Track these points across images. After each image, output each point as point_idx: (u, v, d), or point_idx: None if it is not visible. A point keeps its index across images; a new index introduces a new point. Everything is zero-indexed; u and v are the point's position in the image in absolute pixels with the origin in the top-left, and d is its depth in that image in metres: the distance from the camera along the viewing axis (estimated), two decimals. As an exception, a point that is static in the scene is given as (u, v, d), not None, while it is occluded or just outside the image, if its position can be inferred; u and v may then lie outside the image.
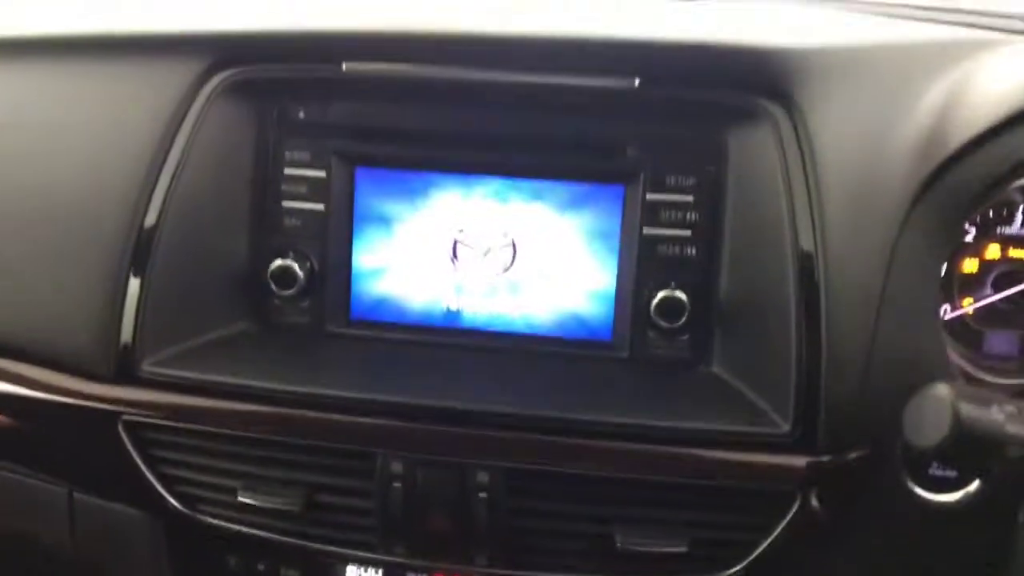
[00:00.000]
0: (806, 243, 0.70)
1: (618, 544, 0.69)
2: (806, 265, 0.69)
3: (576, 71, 0.75)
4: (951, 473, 0.71)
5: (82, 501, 0.84)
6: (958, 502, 0.71)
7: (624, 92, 0.74)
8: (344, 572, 0.82)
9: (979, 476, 0.70)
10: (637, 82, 0.74)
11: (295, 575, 0.83)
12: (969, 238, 0.81)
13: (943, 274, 0.79)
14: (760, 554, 0.71)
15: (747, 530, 0.71)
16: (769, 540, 0.70)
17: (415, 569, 0.78)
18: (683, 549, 0.70)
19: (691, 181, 0.77)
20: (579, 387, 0.76)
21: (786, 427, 0.68)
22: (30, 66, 0.82)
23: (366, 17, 0.79)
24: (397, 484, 0.71)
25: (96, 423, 0.76)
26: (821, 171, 0.70)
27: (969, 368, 0.80)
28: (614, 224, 0.79)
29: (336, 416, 0.72)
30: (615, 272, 0.79)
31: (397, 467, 0.71)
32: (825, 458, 0.68)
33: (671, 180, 0.77)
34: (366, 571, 0.82)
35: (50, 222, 0.78)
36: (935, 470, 0.71)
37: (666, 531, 0.70)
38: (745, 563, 0.71)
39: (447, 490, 0.71)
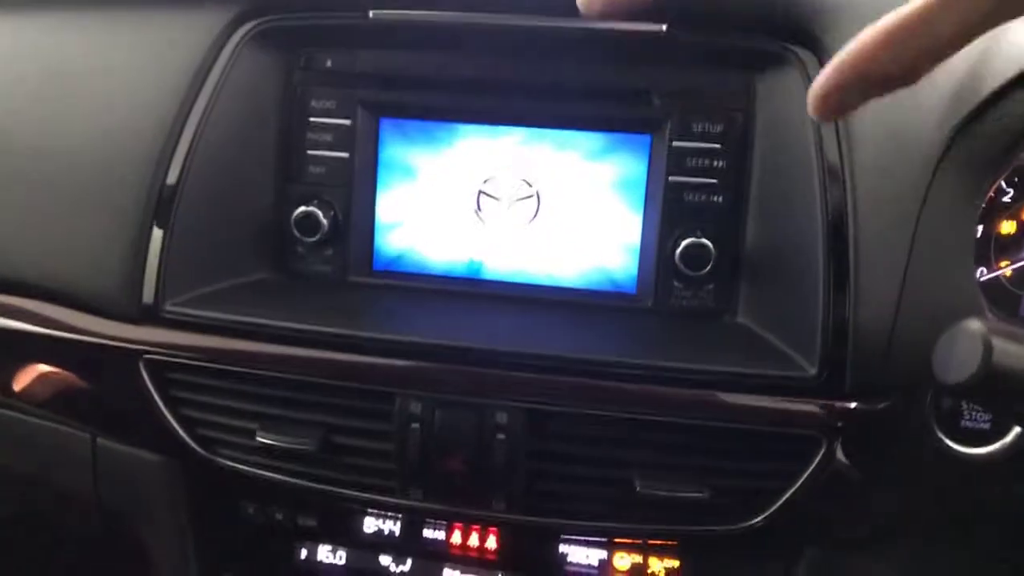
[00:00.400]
0: (835, 191, 0.68)
1: (637, 489, 0.68)
2: (835, 213, 0.68)
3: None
4: (984, 425, 0.69)
5: (104, 446, 0.84)
6: (991, 455, 0.69)
7: (651, 38, 0.74)
8: (362, 521, 0.82)
9: (1018, 422, 0.68)
10: (664, 27, 0.73)
11: (312, 524, 0.82)
12: (1007, 199, 0.79)
13: (979, 235, 0.77)
14: (784, 504, 0.69)
15: (770, 478, 0.69)
16: (793, 489, 0.69)
17: (433, 515, 0.77)
18: (704, 495, 0.68)
19: (718, 128, 0.76)
20: (601, 332, 0.75)
21: (812, 371, 0.66)
22: (57, 15, 0.83)
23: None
24: (415, 425, 0.70)
25: (119, 363, 0.76)
26: (851, 119, 0.69)
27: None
28: (640, 173, 0.78)
29: (355, 356, 0.71)
30: (640, 221, 0.78)
31: (415, 408, 0.70)
32: (851, 404, 0.67)
33: (698, 127, 0.76)
34: (384, 521, 0.82)
35: (77, 169, 0.78)
36: (967, 421, 0.69)
37: (687, 477, 0.69)
38: (768, 513, 0.70)
39: (465, 431, 0.70)
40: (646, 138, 0.78)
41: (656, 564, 0.80)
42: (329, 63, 0.82)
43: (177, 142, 0.76)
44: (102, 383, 0.80)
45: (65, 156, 0.79)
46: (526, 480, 0.71)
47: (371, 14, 0.77)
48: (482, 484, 0.71)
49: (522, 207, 0.81)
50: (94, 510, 0.88)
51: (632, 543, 0.78)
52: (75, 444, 0.85)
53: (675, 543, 0.77)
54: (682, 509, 0.70)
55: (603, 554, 0.80)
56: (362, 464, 0.74)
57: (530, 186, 0.80)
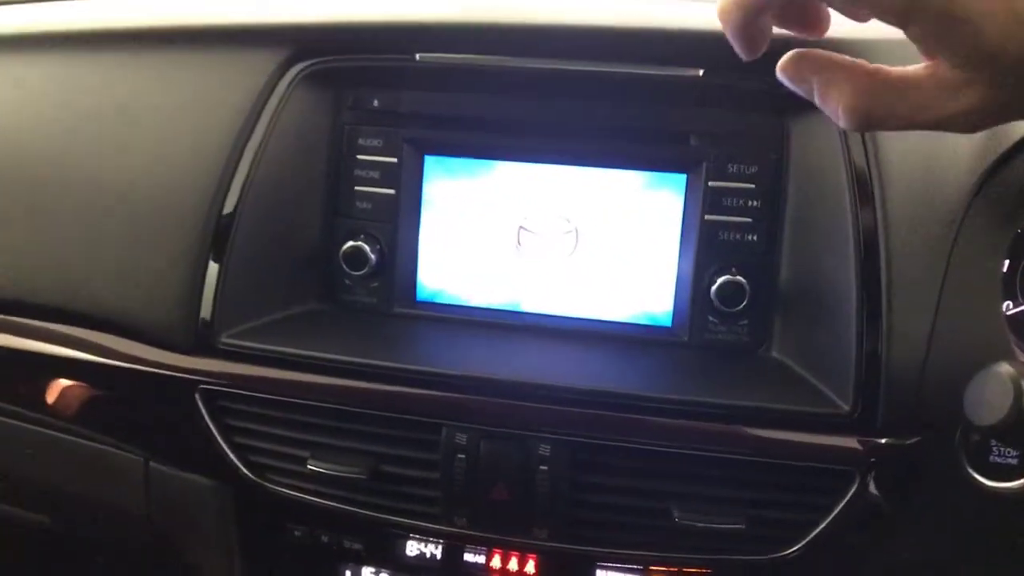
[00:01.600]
0: (868, 231, 0.70)
1: (676, 519, 0.71)
2: (868, 253, 0.70)
3: (642, 61, 0.77)
4: (1012, 460, 0.71)
5: (157, 470, 0.88)
6: (1019, 490, 0.71)
7: (688, 81, 0.77)
8: (405, 545, 0.84)
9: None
10: (701, 72, 0.76)
11: (358, 547, 0.85)
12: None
13: (1006, 270, 0.79)
14: (818, 535, 0.71)
15: (805, 510, 0.72)
16: (827, 521, 0.71)
17: (474, 542, 0.80)
18: (740, 526, 0.70)
19: (753, 169, 0.79)
20: (639, 367, 0.78)
21: (846, 407, 0.69)
22: (120, 55, 0.87)
23: (439, 8, 0.82)
24: (461, 455, 0.73)
25: (175, 392, 0.80)
26: (883, 159, 0.71)
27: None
28: (676, 211, 0.81)
29: (403, 388, 0.74)
30: (676, 258, 0.81)
31: (461, 439, 0.73)
32: (884, 440, 0.69)
33: (733, 168, 0.79)
34: (426, 545, 0.84)
35: (136, 203, 0.82)
36: (995, 457, 0.71)
37: (724, 508, 0.71)
38: (803, 544, 0.72)
39: (509, 462, 0.73)
40: (682, 177, 0.80)
41: (690, 590, 0.83)
42: (376, 103, 0.85)
43: (232, 177, 0.80)
44: (157, 411, 0.83)
45: (125, 190, 0.83)
46: (567, 510, 0.73)
47: (418, 57, 0.80)
48: (525, 513, 0.74)
49: (561, 243, 0.83)
50: (144, 530, 0.91)
51: (667, 570, 0.80)
52: (129, 467, 0.89)
53: (709, 571, 0.79)
54: (718, 539, 0.72)
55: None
56: (409, 492, 0.77)
57: (569, 222, 0.83)
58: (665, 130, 0.81)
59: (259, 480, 0.81)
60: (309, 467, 0.76)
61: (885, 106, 0.41)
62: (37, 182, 0.86)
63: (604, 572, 0.81)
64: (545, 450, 0.72)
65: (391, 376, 0.75)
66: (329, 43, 0.83)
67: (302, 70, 0.82)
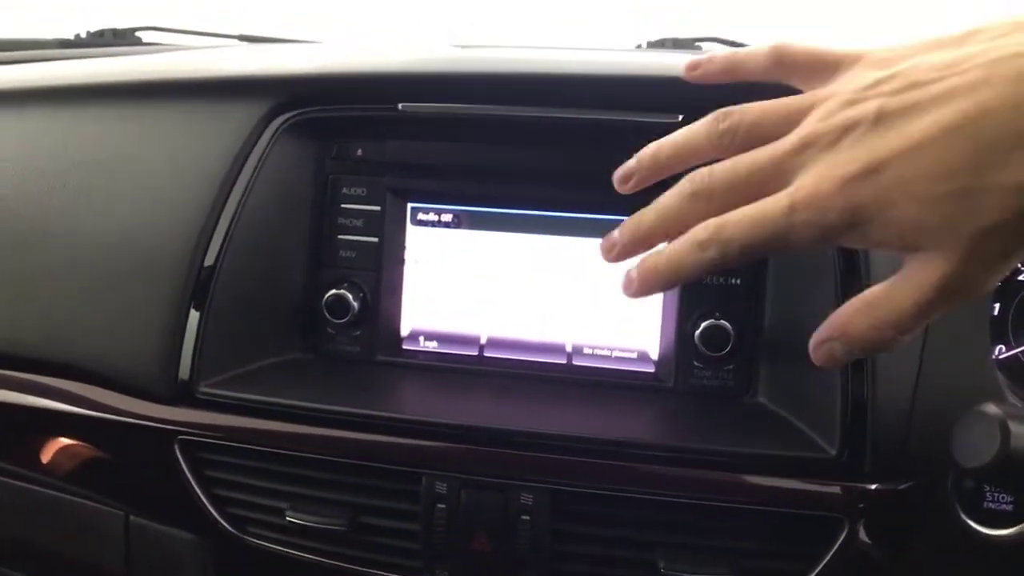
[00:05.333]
0: (850, 271, 0.70)
1: (661, 570, 0.69)
2: (851, 293, 0.69)
3: (623, 107, 0.78)
4: (1007, 506, 0.69)
5: (138, 524, 0.86)
6: (1014, 536, 0.69)
7: (669, 127, 0.77)
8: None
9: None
10: (680, 117, 0.76)
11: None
12: (1023, 277, 0.80)
13: (996, 313, 0.79)
14: (808, 586, 0.69)
15: (794, 559, 0.70)
16: (817, 571, 0.69)
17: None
18: (729, 577, 0.69)
19: (734, 213, 0.78)
20: (623, 413, 0.77)
21: (832, 452, 0.67)
22: (101, 107, 0.88)
23: (419, 59, 0.83)
24: (441, 505, 0.72)
25: (154, 443, 0.79)
26: None
27: (1028, 411, 0.78)
28: (658, 256, 0.80)
29: (382, 437, 0.73)
30: (659, 302, 0.81)
31: (441, 488, 0.72)
32: (872, 486, 0.67)
33: (715, 212, 0.79)
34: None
35: (118, 253, 0.82)
36: (989, 503, 0.69)
37: (710, 558, 0.69)
38: (792, 595, 0.70)
39: (490, 512, 0.71)
40: (664, 222, 0.80)
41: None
42: (359, 152, 0.86)
43: (215, 227, 0.80)
44: (136, 462, 0.82)
45: (106, 242, 0.83)
46: (550, 561, 0.71)
47: (400, 106, 0.81)
48: (507, 564, 0.72)
49: (542, 288, 0.83)
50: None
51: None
52: (107, 521, 0.87)
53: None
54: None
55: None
56: (390, 544, 0.75)
57: (552, 267, 0.83)
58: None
59: (239, 533, 0.79)
60: (288, 519, 0.75)
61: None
62: (19, 235, 0.86)
63: None
64: (527, 499, 0.70)
65: (370, 425, 0.74)
66: (312, 94, 0.84)
67: (285, 121, 0.83)
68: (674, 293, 0.80)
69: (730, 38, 1.13)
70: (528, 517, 0.70)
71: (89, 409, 0.81)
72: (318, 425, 0.75)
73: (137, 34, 1.33)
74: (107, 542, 0.88)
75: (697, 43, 1.11)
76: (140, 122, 0.86)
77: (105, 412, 0.80)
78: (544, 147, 0.82)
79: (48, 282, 0.83)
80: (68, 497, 0.88)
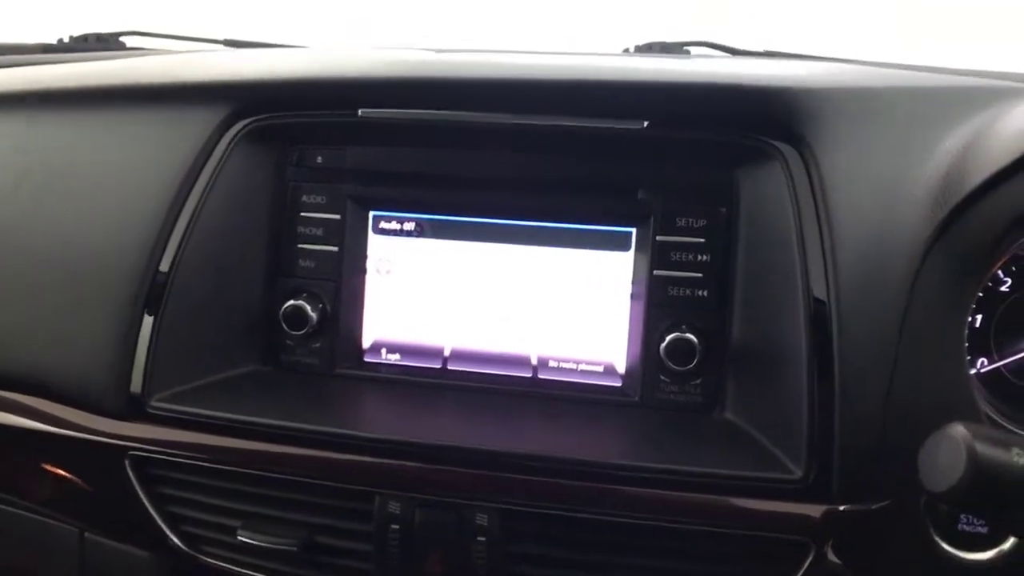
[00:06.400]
0: (818, 288, 0.67)
1: None
2: (818, 310, 0.67)
3: (586, 113, 0.75)
4: (982, 529, 0.66)
5: (92, 541, 0.84)
6: (990, 561, 0.66)
7: (633, 134, 0.75)
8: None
9: (1012, 531, 0.65)
10: (646, 124, 0.74)
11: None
12: (1006, 288, 0.78)
13: (978, 325, 0.76)
14: (776, 610, 0.67)
15: (760, 583, 0.67)
16: (783, 596, 0.66)
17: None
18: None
19: (702, 223, 0.76)
20: (585, 430, 0.74)
21: (799, 472, 0.65)
22: (57, 114, 0.86)
23: (379, 64, 0.81)
24: (395, 526, 0.69)
25: (105, 458, 0.76)
26: (834, 214, 0.68)
27: (1011, 426, 0.75)
28: (625, 266, 0.78)
29: (335, 454, 0.71)
30: (625, 314, 0.78)
31: (395, 508, 0.69)
32: (841, 507, 0.65)
33: (682, 221, 0.77)
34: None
35: (72, 261, 0.80)
36: (964, 525, 0.67)
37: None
38: (760, 619, 0.67)
39: (445, 533, 0.69)
40: (630, 231, 0.78)
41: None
42: (319, 159, 0.83)
43: (170, 234, 0.78)
44: (89, 478, 0.80)
45: (58, 250, 0.81)
46: None
47: (360, 112, 0.79)
48: None
49: (507, 299, 0.81)
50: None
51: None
52: (62, 538, 0.85)
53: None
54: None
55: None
56: (344, 564, 0.73)
57: (515, 277, 0.80)
58: (612, 183, 0.78)
59: (192, 552, 0.77)
60: (239, 538, 0.72)
61: None
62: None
63: None
64: (482, 519, 0.68)
65: (325, 442, 0.71)
66: (269, 99, 0.81)
67: (244, 127, 0.81)
68: (640, 304, 0.77)
69: (719, 42, 1.10)
70: (484, 538, 0.68)
71: (39, 422, 0.79)
72: (273, 442, 0.73)
73: (121, 39, 1.31)
74: (61, 559, 0.86)
75: (686, 47, 1.09)
76: (97, 127, 0.84)
77: (55, 426, 0.78)
78: (508, 154, 0.79)
79: (-1, 290, 0.81)
80: (22, 513, 0.86)
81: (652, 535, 0.67)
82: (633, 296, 0.78)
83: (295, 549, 0.71)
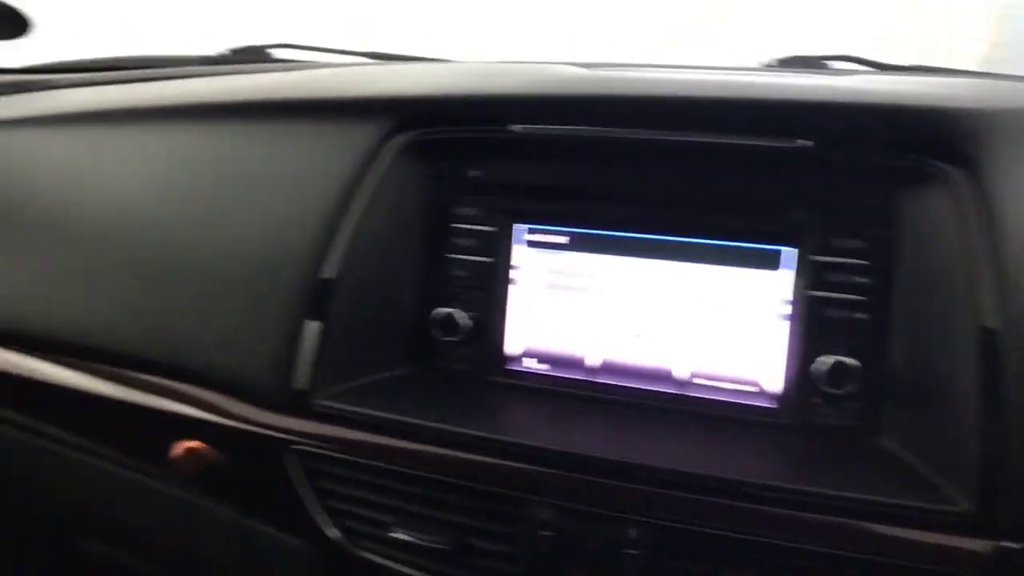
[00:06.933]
0: (988, 315, 0.65)
1: None
2: (989, 340, 0.65)
3: (741, 131, 0.75)
4: None
5: (249, 526, 0.89)
6: None
7: (789, 152, 0.74)
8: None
9: None
10: (812, 143, 0.73)
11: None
12: None
13: None
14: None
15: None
16: (943, 634, 0.65)
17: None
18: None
19: (861, 244, 0.75)
20: (738, 449, 0.74)
21: (965, 505, 0.63)
22: (232, 126, 0.92)
23: (534, 81, 0.83)
24: (545, 533, 0.71)
25: (268, 450, 0.81)
26: (1004, 239, 0.66)
27: None
28: (774, 285, 0.77)
29: (490, 459, 0.73)
30: (776, 334, 0.77)
31: (546, 515, 0.71)
32: (1011, 544, 0.62)
33: (839, 242, 0.75)
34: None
35: (241, 264, 0.85)
36: None
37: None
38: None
39: (595, 544, 0.70)
40: (779, 250, 0.77)
41: None
42: (473, 173, 0.86)
43: (331, 243, 0.82)
44: (250, 467, 0.85)
45: (231, 251, 0.86)
46: None
47: (513, 128, 0.81)
48: None
49: (652, 313, 0.81)
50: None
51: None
52: (221, 522, 0.90)
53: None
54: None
55: None
56: (492, 567, 0.75)
57: (666, 294, 0.81)
58: (769, 202, 0.78)
59: (348, 545, 0.80)
60: (392, 535, 0.76)
61: None
62: (153, 243, 0.90)
63: None
64: (633, 533, 0.69)
65: (477, 446, 0.73)
66: (431, 115, 0.85)
67: (403, 141, 0.84)
68: (797, 324, 0.76)
69: (861, 56, 1.08)
70: (634, 552, 0.68)
71: (207, 412, 0.85)
72: (429, 443, 0.75)
73: (272, 51, 1.38)
74: (224, 544, 0.91)
75: (825, 61, 1.07)
76: (268, 139, 0.89)
77: (225, 418, 0.83)
78: (659, 169, 0.80)
79: (174, 287, 0.87)
80: (189, 497, 0.92)
81: (807, 559, 0.66)
82: (786, 316, 0.77)
83: (446, 548, 0.74)
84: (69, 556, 1.19)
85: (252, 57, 1.32)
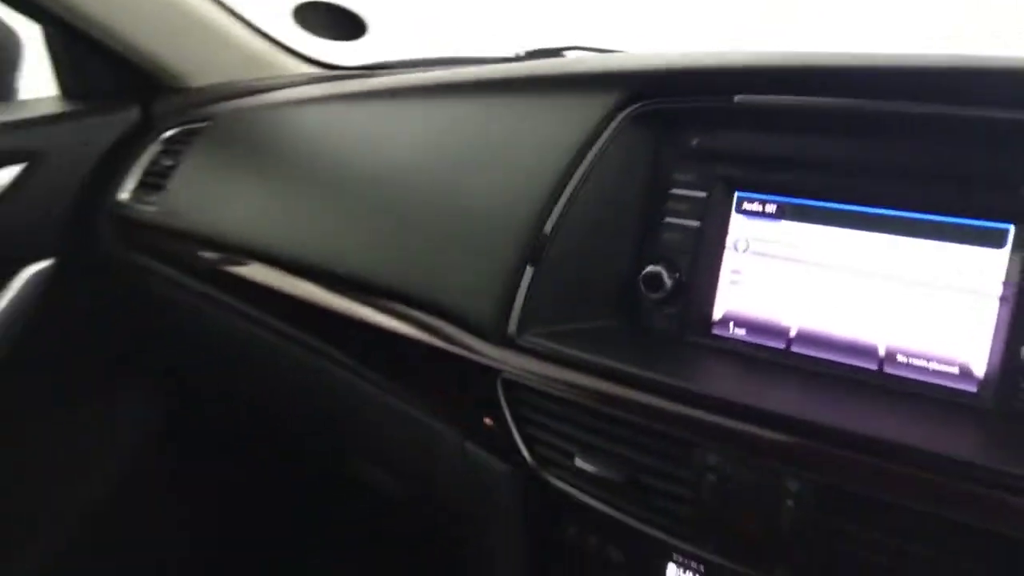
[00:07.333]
0: None
1: None
2: None
3: (969, 102, 0.73)
4: None
5: (469, 448, 1.00)
6: None
7: (1019, 124, 0.70)
8: (665, 567, 0.86)
9: None
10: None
11: (619, 556, 0.89)
12: None
13: None
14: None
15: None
16: None
17: (719, 571, 0.79)
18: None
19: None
20: (932, 426, 0.71)
21: None
22: (481, 99, 1.07)
23: (758, 53, 0.86)
24: (712, 476, 0.74)
25: (481, 377, 0.92)
26: None
27: None
28: (995, 264, 0.73)
29: (670, 404, 0.77)
30: (991, 316, 0.73)
31: (713, 460, 0.74)
32: None
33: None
34: (683, 572, 0.85)
35: (481, 218, 0.97)
36: None
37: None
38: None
39: (756, 492, 0.72)
40: (1007, 228, 0.73)
41: None
42: (695, 142, 0.91)
43: (556, 202, 0.91)
44: (467, 392, 0.96)
45: (474, 205, 0.99)
46: (808, 554, 0.70)
47: (736, 99, 0.85)
48: (767, 545, 0.72)
49: (858, 287, 0.80)
50: (451, 503, 1.05)
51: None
52: (450, 446, 1.03)
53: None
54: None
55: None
56: (659, 504, 0.79)
57: (869, 267, 0.79)
58: (989, 176, 0.74)
59: (539, 469, 0.89)
60: (576, 464, 0.83)
61: None
62: (414, 195, 1.06)
63: None
64: (793, 486, 0.70)
65: (664, 391, 0.78)
66: (659, 86, 0.91)
67: (631, 111, 0.91)
68: (1009, 306, 0.72)
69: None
70: (792, 503, 0.69)
71: (435, 338, 0.98)
72: (617, 384, 0.81)
73: (563, 52, 1.52)
74: (449, 462, 1.04)
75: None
76: (512, 110, 1.02)
77: (447, 343, 0.96)
78: (878, 141, 0.79)
79: (426, 232, 1.02)
80: (426, 420, 1.06)
81: (968, 536, 0.63)
82: (1002, 298, 0.73)
83: (620, 481, 0.80)
84: (341, 474, 1.41)
85: (544, 57, 1.47)
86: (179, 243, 1.41)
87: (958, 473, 0.64)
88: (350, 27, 1.65)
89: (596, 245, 0.92)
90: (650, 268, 0.89)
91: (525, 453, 0.90)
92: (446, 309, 0.97)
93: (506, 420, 0.91)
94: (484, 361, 0.92)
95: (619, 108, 0.92)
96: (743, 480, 0.73)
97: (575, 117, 0.94)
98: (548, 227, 0.90)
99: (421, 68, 1.45)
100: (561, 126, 0.95)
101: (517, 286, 0.90)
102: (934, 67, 0.75)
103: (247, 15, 1.68)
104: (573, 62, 1.01)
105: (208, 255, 1.36)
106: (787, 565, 0.71)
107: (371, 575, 1.71)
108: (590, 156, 0.91)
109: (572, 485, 0.86)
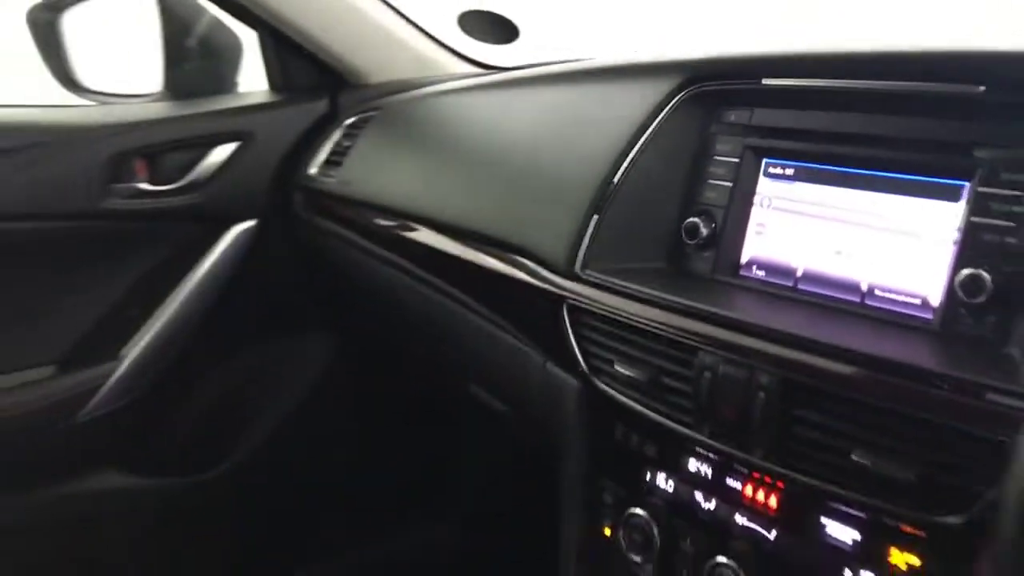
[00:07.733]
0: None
1: (862, 463, 0.81)
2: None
3: (934, 79, 0.89)
4: None
5: (550, 368, 1.25)
6: None
7: (972, 97, 0.86)
8: (684, 461, 1.06)
9: None
10: (982, 88, 0.85)
11: (653, 452, 1.10)
12: None
13: None
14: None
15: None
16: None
17: (739, 462, 0.97)
18: (912, 479, 0.78)
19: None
20: (887, 340, 0.88)
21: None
22: (577, 85, 1.32)
23: (785, 43, 1.05)
24: (708, 375, 0.94)
25: (552, 303, 1.16)
26: None
27: None
28: (952, 214, 0.89)
29: (691, 322, 0.98)
30: (946, 257, 0.89)
31: (709, 361, 0.94)
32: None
33: (1008, 176, 0.84)
34: (701, 464, 1.05)
35: (560, 173, 1.23)
36: None
37: (898, 460, 0.79)
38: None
39: (738, 386, 0.91)
40: (963, 184, 0.88)
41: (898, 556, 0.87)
42: (732, 117, 1.11)
43: (619, 165, 1.14)
44: (543, 317, 1.20)
45: (559, 168, 1.24)
46: (775, 436, 0.89)
47: (764, 82, 1.04)
48: (747, 431, 0.91)
49: (855, 237, 0.97)
50: (533, 415, 1.29)
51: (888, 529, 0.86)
52: (535, 366, 1.28)
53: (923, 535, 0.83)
54: (905, 490, 0.79)
55: (856, 535, 0.89)
56: (671, 399, 1.00)
57: (859, 218, 0.97)
58: (950, 142, 0.90)
59: (591, 376, 1.12)
60: (615, 369, 1.05)
61: None
62: (516, 159, 1.33)
63: (827, 518, 0.91)
64: (765, 380, 0.89)
65: (690, 312, 0.98)
66: (708, 73, 1.12)
67: (685, 93, 1.13)
68: (958, 247, 0.87)
69: None
70: (763, 395, 0.89)
71: (517, 270, 1.24)
72: (653, 307, 1.03)
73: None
74: (537, 383, 1.29)
75: None
76: (597, 92, 1.26)
77: (530, 277, 1.21)
78: (868, 117, 0.97)
79: (522, 189, 1.29)
80: (518, 344, 1.32)
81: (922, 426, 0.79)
82: (956, 243, 0.88)
83: (644, 380, 1.02)
84: (463, 398, 1.69)
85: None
86: (351, 209, 1.75)
87: (909, 375, 0.81)
88: (505, 32, 1.94)
89: (649, 199, 1.14)
90: (691, 220, 1.10)
91: (583, 365, 1.13)
92: (530, 250, 1.22)
93: (568, 338, 1.14)
94: (555, 291, 1.16)
95: (678, 90, 1.14)
96: (729, 376, 0.93)
97: (642, 97, 1.17)
98: (611, 185, 1.13)
99: (551, 65, 1.72)
100: (631, 105, 1.18)
101: (585, 231, 1.14)
102: (907, 54, 0.92)
103: (420, 21, 1.99)
104: (641, 54, 1.23)
105: (374, 218, 1.69)
106: (761, 445, 0.91)
107: (493, 483, 2.04)
108: (652, 128, 1.14)
109: (612, 388, 1.08)
